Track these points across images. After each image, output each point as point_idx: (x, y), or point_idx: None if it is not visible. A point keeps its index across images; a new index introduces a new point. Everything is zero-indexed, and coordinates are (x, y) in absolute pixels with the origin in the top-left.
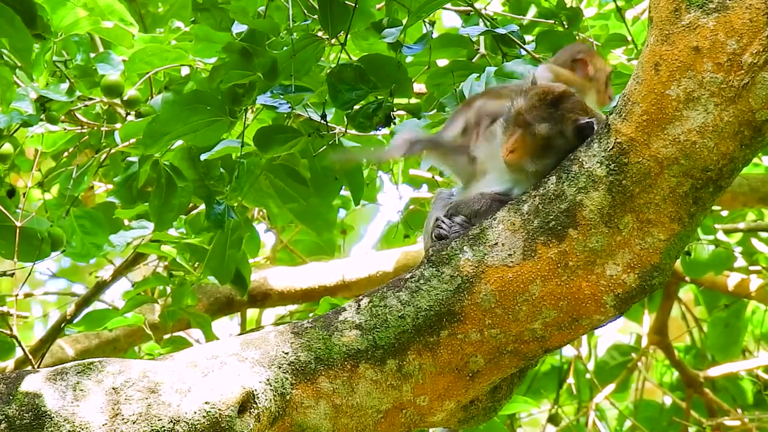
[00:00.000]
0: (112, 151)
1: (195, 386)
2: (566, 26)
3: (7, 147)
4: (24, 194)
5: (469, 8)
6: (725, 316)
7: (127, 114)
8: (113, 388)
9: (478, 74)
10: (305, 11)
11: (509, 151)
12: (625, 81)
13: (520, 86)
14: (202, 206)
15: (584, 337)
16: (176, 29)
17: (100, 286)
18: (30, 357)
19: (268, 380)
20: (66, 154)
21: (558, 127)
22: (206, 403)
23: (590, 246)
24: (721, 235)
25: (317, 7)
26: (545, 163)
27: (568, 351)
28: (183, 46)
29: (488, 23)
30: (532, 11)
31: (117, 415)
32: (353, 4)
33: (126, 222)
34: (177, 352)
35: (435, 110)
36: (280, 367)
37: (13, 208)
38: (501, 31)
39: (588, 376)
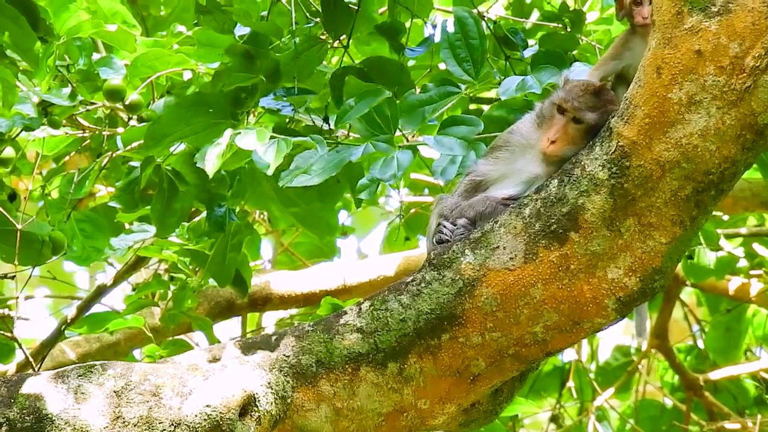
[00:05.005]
0: (114, 155)
1: (196, 389)
2: (569, 29)
3: (9, 151)
4: (25, 198)
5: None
6: (726, 319)
7: (129, 118)
8: (114, 392)
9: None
10: (308, 15)
11: (551, 141)
12: None
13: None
14: (204, 213)
15: (586, 339)
16: (178, 33)
17: (101, 290)
18: (31, 360)
19: (269, 383)
20: (68, 158)
21: (603, 116)
22: (207, 406)
23: (592, 249)
24: (723, 242)
25: (320, 10)
26: None
27: (571, 352)
28: (185, 50)
29: (491, 26)
30: (535, 15)
31: (118, 418)
32: (356, 8)
33: (127, 225)
34: (177, 355)
35: None
36: (281, 371)
37: (14, 212)
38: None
39: (591, 376)
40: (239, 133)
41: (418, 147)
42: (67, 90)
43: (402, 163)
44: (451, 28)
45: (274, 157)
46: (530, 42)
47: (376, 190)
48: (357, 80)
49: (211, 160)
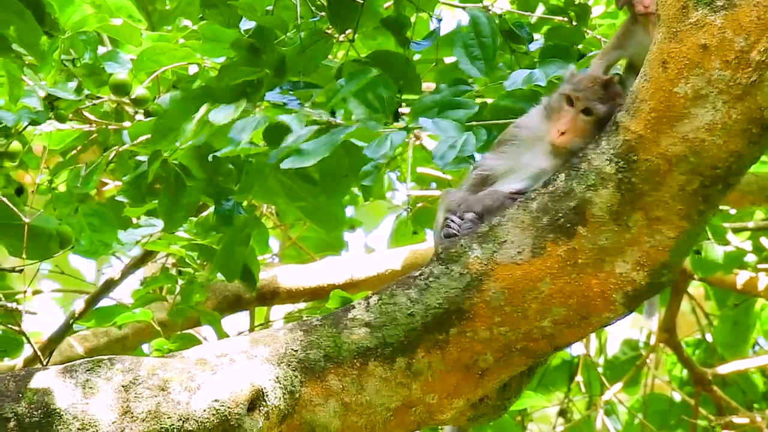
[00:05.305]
0: (121, 149)
1: (204, 384)
2: (574, 23)
3: (16, 145)
4: (32, 192)
5: (477, 5)
6: (734, 313)
7: (135, 112)
8: (123, 386)
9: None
10: (313, 9)
11: (560, 133)
12: None
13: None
14: (211, 208)
15: (594, 333)
16: (184, 27)
17: (109, 284)
18: (39, 354)
19: (277, 378)
20: (74, 152)
21: (611, 109)
22: (215, 401)
23: (599, 243)
24: (730, 236)
25: (325, 4)
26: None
27: (579, 346)
28: (191, 44)
29: (496, 20)
30: (541, 9)
31: (127, 412)
32: (361, 2)
33: (135, 220)
34: (186, 349)
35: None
36: (289, 365)
37: (22, 206)
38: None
39: (599, 370)
40: (216, 106)
41: (425, 142)
42: (73, 84)
43: (395, 143)
44: (465, 23)
45: (249, 134)
46: (535, 36)
47: (377, 173)
48: (354, 64)
49: (185, 135)
